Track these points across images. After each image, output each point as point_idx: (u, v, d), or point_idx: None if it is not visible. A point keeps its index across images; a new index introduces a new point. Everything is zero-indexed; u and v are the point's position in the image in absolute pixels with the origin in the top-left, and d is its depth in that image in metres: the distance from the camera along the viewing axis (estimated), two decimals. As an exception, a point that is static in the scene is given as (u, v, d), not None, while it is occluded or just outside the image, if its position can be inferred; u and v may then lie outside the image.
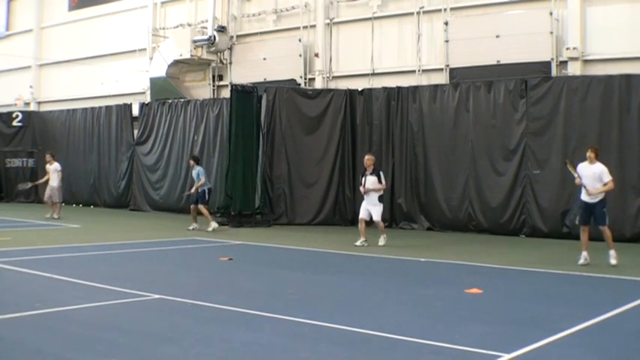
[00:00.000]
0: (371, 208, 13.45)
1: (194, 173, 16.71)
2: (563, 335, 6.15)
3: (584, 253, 10.95)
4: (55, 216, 18.91)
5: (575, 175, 11.01)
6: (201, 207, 16.51)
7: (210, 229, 16.17)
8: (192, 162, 17.00)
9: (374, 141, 17.93)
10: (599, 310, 7.20)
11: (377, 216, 13.47)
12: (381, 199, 13.58)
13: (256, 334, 6.13)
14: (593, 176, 10.88)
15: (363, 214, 13.51)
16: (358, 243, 13.38)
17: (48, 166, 19.58)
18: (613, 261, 10.70)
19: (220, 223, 17.09)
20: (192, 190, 16.71)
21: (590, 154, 11.03)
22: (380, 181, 13.43)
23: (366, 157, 13.96)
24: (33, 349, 5.58)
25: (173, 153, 21.91)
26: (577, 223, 11.38)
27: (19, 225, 17.16)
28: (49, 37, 28.03)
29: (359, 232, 13.53)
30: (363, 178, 13.61)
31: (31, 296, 7.82)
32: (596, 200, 10.87)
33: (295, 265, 11.31)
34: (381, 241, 13.50)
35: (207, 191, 16.61)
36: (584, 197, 10.99)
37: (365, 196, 13.54)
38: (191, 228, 16.40)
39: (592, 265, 10.78)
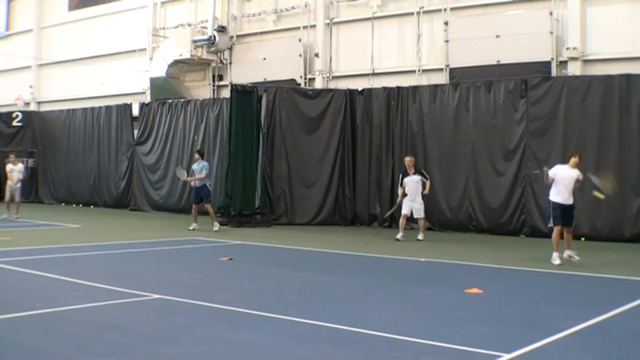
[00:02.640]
0: (414, 204, 14.54)
1: (198, 167, 16.65)
2: (563, 335, 6.15)
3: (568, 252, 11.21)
4: (16, 215, 18.72)
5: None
6: (208, 206, 16.57)
7: (215, 228, 16.25)
8: (197, 156, 16.92)
9: (374, 141, 17.93)
10: (599, 310, 7.19)
11: (422, 212, 14.66)
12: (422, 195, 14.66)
13: (256, 334, 6.13)
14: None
15: (406, 210, 14.53)
16: (399, 236, 14.31)
17: (12, 167, 19.33)
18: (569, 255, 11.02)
19: (220, 223, 17.13)
20: (189, 179, 16.67)
21: (575, 158, 11.16)
22: (425, 177, 14.68)
23: (407, 158, 15.06)
24: (33, 349, 5.58)
25: (173, 153, 21.92)
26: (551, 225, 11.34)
27: (19, 225, 17.16)
28: (49, 37, 28.03)
29: (399, 227, 14.53)
30: (404, 179, 14.65)
31: (31, 296, 7.82)
32: (570, 202, 11.06)
33: (295, 265, 11.31)
34: (420, 236, 14.56)
35: (209, 188, 16.73)
36: (563, 201, 11.08)
37: (408, 195, 14.56)
38: (191, 228, 16.37)
39: (592, 265, 10.77)
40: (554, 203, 11.09)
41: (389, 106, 17.74)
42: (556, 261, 10.89)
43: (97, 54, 25.47)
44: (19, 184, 19.21)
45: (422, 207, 14.66)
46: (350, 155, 18.37)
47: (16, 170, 19.30)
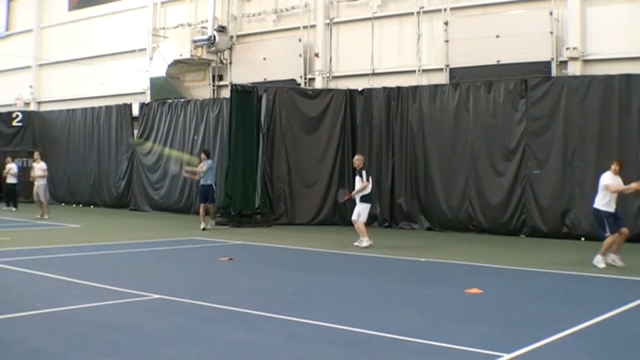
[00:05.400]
0: (356, 207, 13.50)
1: (204, 166, 16.80)
2: (563, 335, 6.16)
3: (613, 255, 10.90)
4: (46, 216, 18.79)
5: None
6: (211, 205, 16.76)
7: (208, 226, 16.48)
8: (203, 155, 17.08)
9: (374, 141, 17.93)
10: (599, 310, 7.20)
11: (355, 215, 13.46)
12: (364, 198, 13.39)
13: (256, 334, 6.13)
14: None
15: (354, 216, 13.59)
16: (358, 243, 13.39)
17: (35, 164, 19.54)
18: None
19: (220, 223, 17.19)
20: (188, 171, 16.88)
21: (615, 166, 10.96)
22: (361, 180, 13.37)
23: (354, 157, 14.16)
24: (33, 349, 5.59)
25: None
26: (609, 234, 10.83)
27: (19, 225, 17.16)
28: (49, 37, 28.04)
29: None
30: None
31: (31, 296, 7.82)
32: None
33: (295, 265, 11.31)
34: (361, 243, 13.21)
35: (215, 188, 16.89)
36: (611, 209, 10.84)
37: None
38: (203, 228, 16.36)
39: (592, 265, 10.76)
40: (606, 212, 10.79)
41: (389, 106, 17.75)
42: (601, 264, 10.62)
43: (97, 54, 25.49)
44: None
45: (358, 209, 13.32)
46: (350, 155, 18.27)
47: (37, 168, 19.37)
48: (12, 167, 21.29)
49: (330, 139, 18.50)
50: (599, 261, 10.69)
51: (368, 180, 13.33)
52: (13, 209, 21.43)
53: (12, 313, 6.84)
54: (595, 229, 13.78)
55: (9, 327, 6.37)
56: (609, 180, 10.88)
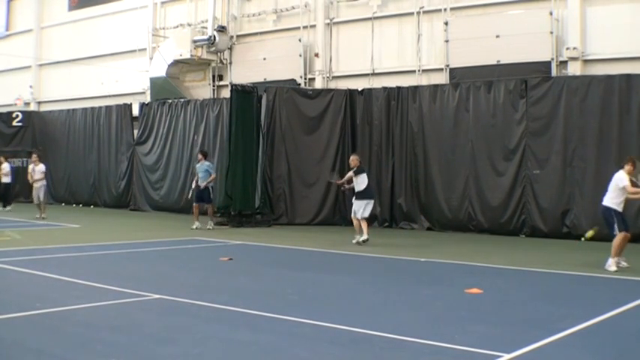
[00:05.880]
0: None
1: (202, 168, 16.79)
2: (563, 335, 6.16)
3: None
4: (44, 215, 18.91)
5: None
6: (208, 206, 16.81)
7: (209, 227, 16.57)
8: (200, 156, 17.11)
9: (374, 141, 17.93)
10: (599, 310, 7.20)
11: (352, 213, 13.91)
12: (358, 195, 13.73)
13: (256, 334, 6.14)
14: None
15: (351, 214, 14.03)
16: (354, 241, 13.72)
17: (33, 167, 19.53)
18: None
19: (220, 223, 17.20)
20: (203, 184, 16.66)
21: (630, 167, 10.63)
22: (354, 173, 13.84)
23: (350, 158, 14.52)
24: (33, 349, 5.59)
25: (173, 153, 21.92)
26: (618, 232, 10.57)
27: (19, 225, 17.15)
28: (49, 37, 28.04)
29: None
30: None
31: (31, 296, 7.82)
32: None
33: (295, 265, 11.32)
34: (360, 238, 13.53)
35: (211, 189, 16.86)
36: (621, 209, 10.63)
37: None
38: (194, 227, 16.49)
39: (592, 265, 10.77)
40: (617, 210, 10.54)
41: (389, 106, 17.75)
42: (612, 267, 10.31)
43: (97, 54, 25.49)
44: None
45: (353, 207, 13.77)
46: (350, 155, 18.33)
47: (37, 170, 19.38)
48: (4, 167, 21.38)
49: (330, 139, 18.51)
50: (610, 265, 10.37)
51: (355, 174, 13.68)
52: (8, 208, 21.46)
53: (12, 313, 6.84)
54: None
55: (9, 327, 6.37)
56: (628, 181, 10.53)
